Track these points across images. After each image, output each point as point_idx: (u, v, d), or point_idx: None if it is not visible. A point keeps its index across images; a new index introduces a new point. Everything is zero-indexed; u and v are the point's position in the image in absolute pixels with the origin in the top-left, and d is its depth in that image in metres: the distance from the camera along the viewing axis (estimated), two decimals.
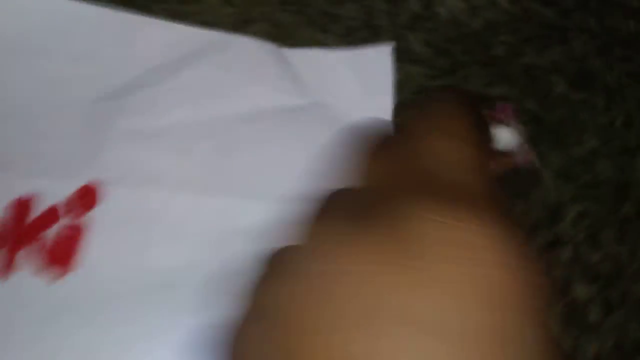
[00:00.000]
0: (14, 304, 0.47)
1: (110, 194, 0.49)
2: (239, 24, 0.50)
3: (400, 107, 0.39)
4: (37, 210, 0.49)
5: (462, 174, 0.20)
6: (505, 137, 0.26)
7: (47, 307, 0.46)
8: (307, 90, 0.46)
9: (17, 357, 0.45)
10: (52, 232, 0.49)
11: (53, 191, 0.49)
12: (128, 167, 0.49)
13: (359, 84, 0.46)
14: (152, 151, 0.50)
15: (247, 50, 0.48)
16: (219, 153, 0.49)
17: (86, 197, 0.49)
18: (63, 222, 0.49)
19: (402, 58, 0.48)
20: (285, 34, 0.49)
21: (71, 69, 0.51)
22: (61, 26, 0.45)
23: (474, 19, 0.50)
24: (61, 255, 0.48)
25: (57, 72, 0.51)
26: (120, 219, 0.48)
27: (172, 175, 0.49)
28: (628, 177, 0.45)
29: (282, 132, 0.47)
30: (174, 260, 0.46)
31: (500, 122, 0.28)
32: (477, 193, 0.19)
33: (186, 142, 0.49)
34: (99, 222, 0.48)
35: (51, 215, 0.49)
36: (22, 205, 0.49)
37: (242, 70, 0.48)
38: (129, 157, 0.50)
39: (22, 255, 0.48)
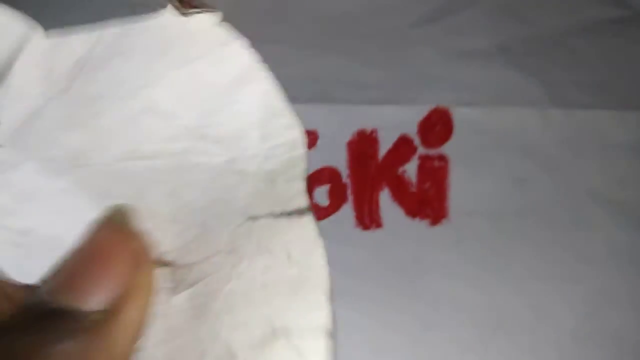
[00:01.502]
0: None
1: (462, 117, 0.42)
2: None
3: None
4: (386, 141, 0.41)
5: None
6: None
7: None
8: None
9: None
10: (412, 167, 0.41)
11: (398, 119, 0.41)
12: (472, 87, 0.43)
13: None
14: (492, 70, 0.44)
15: None
16: None
17: (441, 122, 0.42)
18: (421, 153, 0.41)
19: None
20: None
21: None
22: None
23: None
24: (432, 198, 0.40)
25: None
26: (477, 145, 0.42)
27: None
28: None
29: None
30: None
31: None
32: None
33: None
34: (459, 151, 0.41)
35: (406, 145, 0.41)
36: (367, 139, 0.41)
37: None
38: (471, 77, 0.44)
39: (386, 196, 0.39)
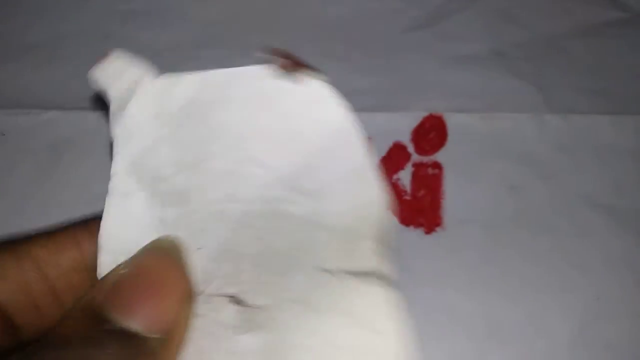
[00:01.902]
0: None
1: (456, 124, 0.42)
2: None
3: None
4: (379, 148, 0.40)
5: None
6: None
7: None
8: None
9: None
10: (406, 174, 0.40)
11: (391, 126, 0.41)
12: (466, 93, 0.43)
13: None
14: (487, 76, 0.44)
15: None
16: None
17: (435, 129, 0.41)
18: (415, 160, 0.41)
19: None
20: None
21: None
22: None
23: None
24: (427, 206, 0.39)
25: None
26: (472, 152, 0.41)
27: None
28: None
29: None
30: None
31: None
32: None
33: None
34: (453, 158, 0.41)
35: (400, 152, 0.40)
36: None
37: None
38: (465, 83, 0.43)
39: None
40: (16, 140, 0.41)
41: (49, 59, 0.44)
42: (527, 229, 0.39)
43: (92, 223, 0.20)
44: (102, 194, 0.42)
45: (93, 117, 0.41)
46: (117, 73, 0.20)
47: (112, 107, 0.19)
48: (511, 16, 0.45)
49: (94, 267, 0.19)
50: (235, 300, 0.19)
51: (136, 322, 0.17)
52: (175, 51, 0.44)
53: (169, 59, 0.44)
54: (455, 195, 0.40)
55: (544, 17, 0.46)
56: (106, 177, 0.41)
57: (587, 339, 0.36)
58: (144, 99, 0.19)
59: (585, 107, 0.43)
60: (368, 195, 0.19)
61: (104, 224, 0.19)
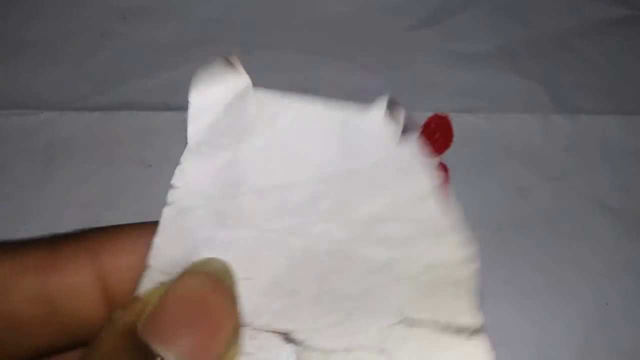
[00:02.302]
0: None
1: (462, 124, 0.41)
2: None
3: None
4: None
5: None
6: None
7: None
8: None
9: None
10: None
11: None
12: (472, 92, 0.42)
13: None
14: (493, 75, 0.43)
15: None
16: None
17: (440, 129, 0.40)
18: None
19: None
20: None
21: None
22: None
23: None
24: None
25: None
26: (478, 153, 0.40)
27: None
28: None
29: None
30: None
31: None
32: None
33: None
34: (459, 159, 0.40)
35: None
36: None
37: None
38: (471, 82, 0.42)
39: None
40: (11, 141, 0.40)
41: (45, 58, 0.42)
42: (534, 233, 0.38)
43: (112, 231, 0.19)
44: (97, 193, 0.41)
45: (89, 117, 0.40)
46: (223, 79, 0.18)
47: (192, 112, 0.18)
48: (518, 14, 0.45)
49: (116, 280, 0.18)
50: (289, 339, 0.18)
51: (177, 354, 0.15)
52: (175, 49, 0.43)
53: (168, 57, 0.43)
54: (461, 198, 0.38)
55: (552, 14, 0.45)
56: (102, 178, 0.41)
57: (595, 345, 0.35)
58: (235, 112, 0.18)
59: (593, 107, 0.42)
60: (455, 249, 0.18)
61: (157, 239, 0.17)
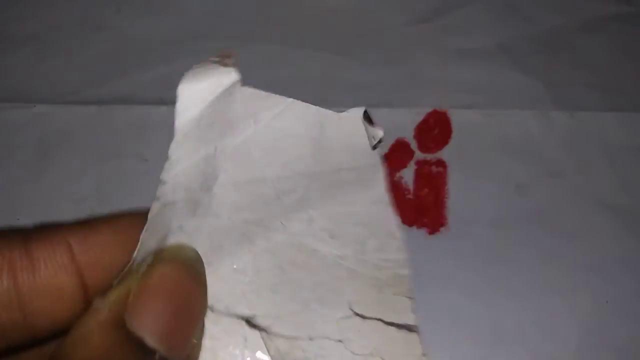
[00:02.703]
0: None
1: (461, 120, 0.40)
2: None
3: None
4: (381, 145, 0.39)
5: None
6: None
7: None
8: None
9: None
10: (409, 172, 0.39)
11: (394, 122, 0.39)
12: (471, 89, 0.42)
13: None
14: (493, 71, 0.42)
15: None
16: None
17: (439, 125, 0.40)
18: (419, 157, 0.39)
19: None
20: None
21: None
22: None
23: None
24: (430, 205, 0.38)
25: None
26: (477, 149, 0.40)
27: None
28: None
29: None
30: None
31: None
32: None
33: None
34: (458, 155, 0.40)
35: (403, 150, 0.39)
36: None
37: None
38: (470, 78, 0.42)
39: None
40: (4, 135, 0.40)
41: (39, 51, 0.42)
42: (533, 230, 0.37)
43: (87, 225, 0.18)
44: (91, 188, 0.41)
45: (83, 111, 0.40)
46: (212, 74, 0.19)
47: (179, 106, 0.18)
48: (518, 10, 0.44)
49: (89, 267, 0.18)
50: (252, 324, 0.19)
51: (158, 339, 0.15)
52: (170, 43, 0.42)
53: (163, 51, 0.43)
54: (460, 194, 0.38)
55: (551, 11, 0.44)
56: (96, 172, 0.40)
57: (595, 343, 0.35)
58: (221, 108, 0.19)
59: (593, 104, 0.41)
60: (395, 254, 0.19)
61: (144, 233, 0.17)
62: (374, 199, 0.19)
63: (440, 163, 0.39)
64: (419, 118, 0.40)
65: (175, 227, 0.18)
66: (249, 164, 0.19)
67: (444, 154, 0.39)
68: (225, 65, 0.19)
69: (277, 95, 0.19)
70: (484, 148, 0.40)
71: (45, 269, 0.17)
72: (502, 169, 0.39)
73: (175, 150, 0.18)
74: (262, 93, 0.19)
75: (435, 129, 0.40)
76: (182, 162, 0.18)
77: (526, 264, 0.37)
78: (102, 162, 0.39)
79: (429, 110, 0.40)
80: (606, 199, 0.38)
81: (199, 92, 0.18)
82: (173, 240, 0.18)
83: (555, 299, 0.36)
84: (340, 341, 0.19)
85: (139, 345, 0.15)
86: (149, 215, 0.17)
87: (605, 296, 0.36)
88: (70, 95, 0.40)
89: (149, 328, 0.15)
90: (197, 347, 0.17)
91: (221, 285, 0.18)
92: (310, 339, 0.19)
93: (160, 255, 0.17)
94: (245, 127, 0.19)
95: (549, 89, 0.42)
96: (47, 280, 0.17)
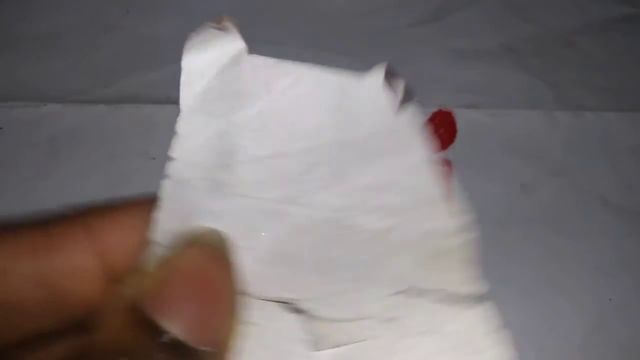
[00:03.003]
0: None
1: (466, 120, 0.41)
2: None
3: None
4: None
5: None
6: None
7: None
8: None
9: None
10: None
11: None
12: (475, 89, 0.42)
13: None
14: (497, 71, 0.43)
15: None
16: None
17: (444, 125, 0.40)
18: None
19: None
20: None
21: None
22: None
23: None
24: None
25: None
26: (482, 149, 0.40)
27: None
28: None
29: None
30: None
31: None
32: None
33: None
34: (463, 155, 0.40)
35: None
36: None
37: None
38: (474, 78, 0.42)
39: None
40: (15, 134, 0.40)
41: (48, 50, 0.42)
42: (538, 229, 0.38)
43: (108, 208, 0.18)
44: (102, 187, 0.41)
45: (93, 110, 0.40)
46: (216, 43, 0.18)
47: (184, 77, 0.17)
48: (521, 10, 0.45)
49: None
50: (294, 308, 0.17)
51: (182, 329, 0.15)
52: (178, 42, 0.43)
53: (171, 51, 0.43)
54: (464, 193, 0.39)
55: (555, 11, 0.45)
56: (105, 171, 0.41)
57: (599, 340, 0.36)
58: (229, 78, 0.17)
59: (596, 104, 0.42)
60: (451, 218, 0.18)
61: (158, 213, 0.17)
62: (412, 163, 0.17)
63: (446, 162, 0.39)
64: (425, 118, 0.40)
65: (199, 207, 0.17)
66: (269, 138, 0.17)
67: (449, 153, 0.40)
68: (229, 32, 0.18)
69: (289, 62, 0.17)
70: (488, 147, 0.40)
71: (66, 250, 0.17)
72: (506, 168, 0.40)
73: (183, 125, 0.17)
74: (271, 60, 0.17)
75: (440, 129, 0.40)
76: (192, 138, 0.17)
77: (531, 262, 0.37)
78: (111, 160, 0.39)
79: (434, 110, 0.41)
80: (610, 198, 0.39)
81: (204, 62, 0.17)
82: (202, 222, 0.17)
83: (560, 297, 0.36)
84: (389, 320, 0.17)
85: (162, 333, 0.15)
86: (162, 194, 0.17)
87: (609, 294, 0.36)
88: (80, 95, 0.41)
89: (171, 316, 0.15)
90: (233, 335, 0.17)
91: (260, 269, 0.17)
92: (355, 320, 0.17)
93: (186, 240, 0.17)
94: (258, 98, 0.17)
95: (552, 89, 0.42)
96: (69, 261, 0.17)
